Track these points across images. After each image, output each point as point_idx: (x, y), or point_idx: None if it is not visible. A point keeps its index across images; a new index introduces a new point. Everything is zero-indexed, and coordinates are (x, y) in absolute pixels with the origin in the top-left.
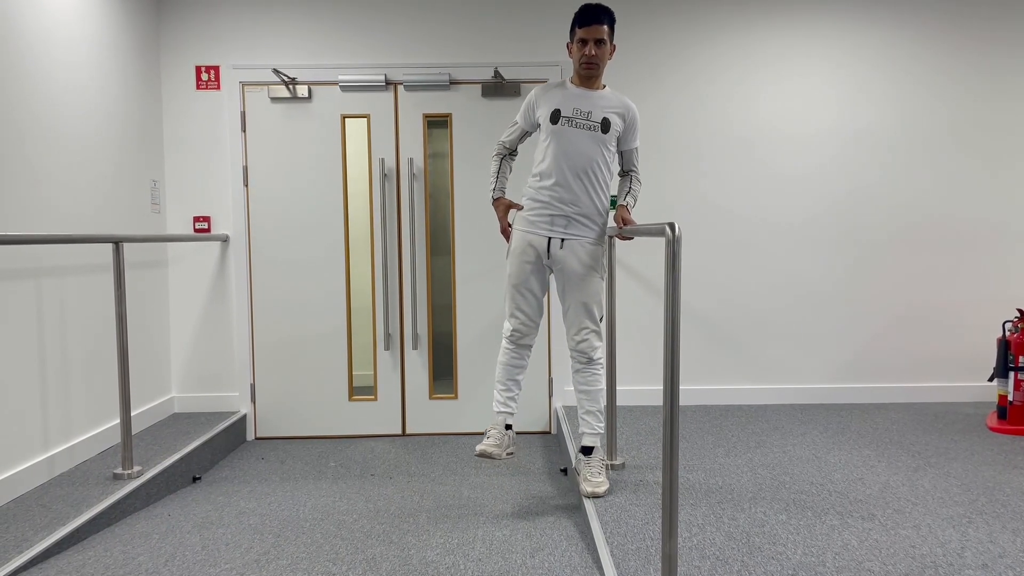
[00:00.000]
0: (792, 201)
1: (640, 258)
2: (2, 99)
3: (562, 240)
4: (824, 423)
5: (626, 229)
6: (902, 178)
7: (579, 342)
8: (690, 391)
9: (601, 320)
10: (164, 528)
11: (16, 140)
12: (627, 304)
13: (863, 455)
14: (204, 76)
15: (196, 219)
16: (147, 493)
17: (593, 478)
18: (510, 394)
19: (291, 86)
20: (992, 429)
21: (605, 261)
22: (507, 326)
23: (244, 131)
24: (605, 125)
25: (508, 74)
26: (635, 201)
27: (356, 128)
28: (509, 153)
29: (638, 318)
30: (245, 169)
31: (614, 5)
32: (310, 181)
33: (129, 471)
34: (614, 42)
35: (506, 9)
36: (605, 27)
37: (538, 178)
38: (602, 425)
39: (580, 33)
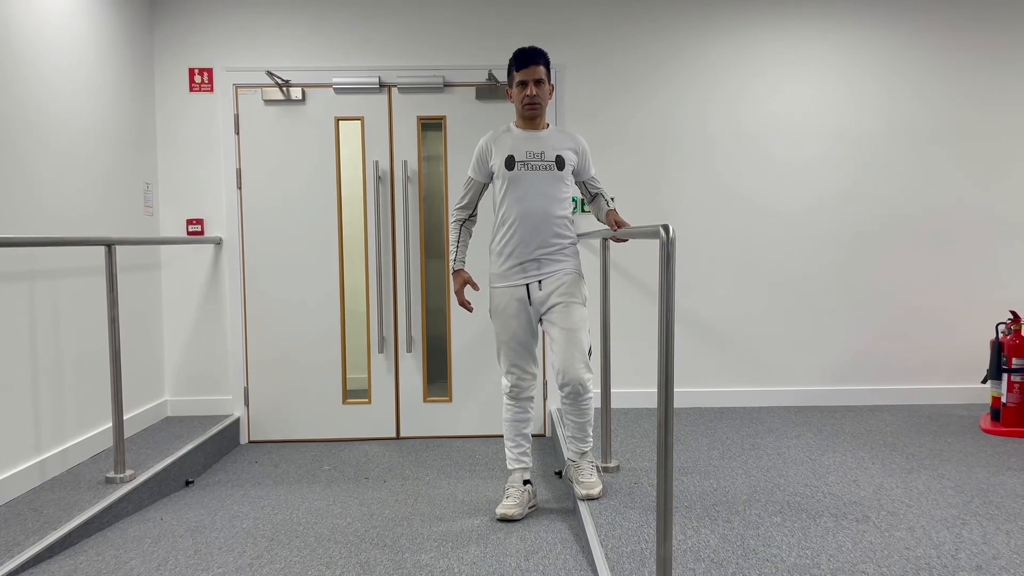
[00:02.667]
0: (786, 204)
1: (634, 260)
2: None
3: (540, 281)
4: (818, 425)
5: (620, 232)
6: (895, 181)
7: (567, 374)
8: (684, 393)
9: (590, 353)
10: (157, 532)
11: (8, 142)
12: (621, 306)
13: (857, 457)
14: (197, 78)
15: (189, 221)
16: (139, 497)
17: (586, 479)
18: (521, 449)
19: (285, 88)
20: (985, 431)
21: (586, 291)
22: (505, 383)
23: (237, 133)
24: (560, 162)
25: (502, 76)
26: (614, 199)
27: (350, 130)
28: (469, 217)
29: (632, 320)
30: (239, 171)
31: (619, 5)
32: (304, 183)
33: (121, 475)
34: (551, 82)
35: (500, 11)
36: (542, 67)
37: (500, 228)
38: (589, 443)
39: (519, 76)
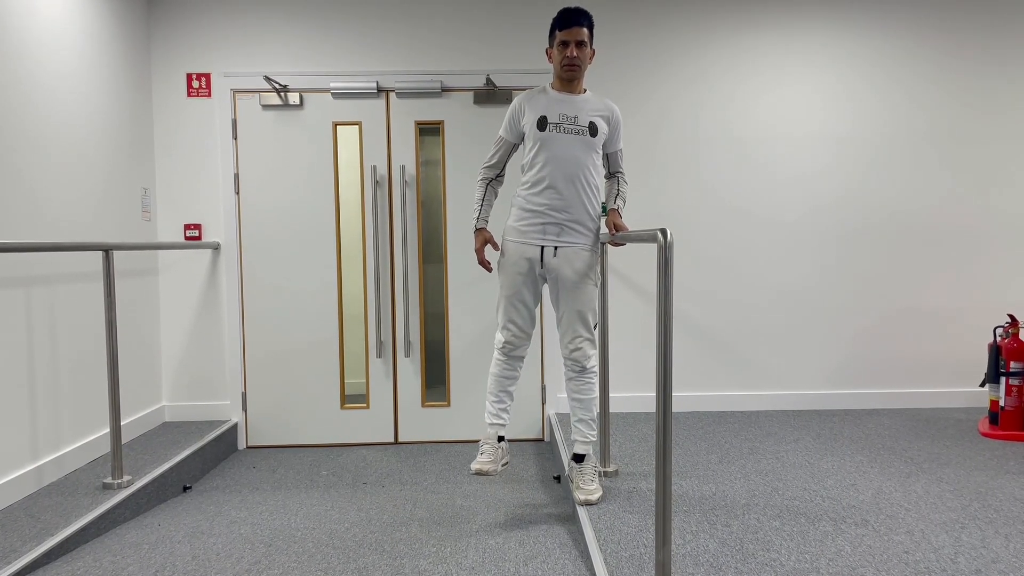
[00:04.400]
0: (783, 207)
1: (632, 264)
2: None
3: (555, 248)
4: (817, 429)
5: (618, 236)
6: (893, 184)
7: (573, 350)
8: (683, 397)
9: (595, 327)
10: (154, 538)
11: (6, 148)
12: (619, 310)
13: (856, 461)
14: (195, 83)
15: (187, 227)
16: (137, 503)
17: (586, 485)
18: (502, 405)
19: (282, 93)
20: (984, 434)
21: (599, 268)
22: (499, 338)
23: (235, 138)
24: (592, 129)
25: (500, 81)
26: (624, 203)
27: (348, 135)
28: (496, 177)
29: (630, 324)
30: (236, 176)
31: (612, 10)
32: (302, 189)
33: (119, 481)
34: (593, 46)
35: (498, 16)
36: (585, 29)
37: (528, 187)
38: (595, 433)
39: (561, 35)
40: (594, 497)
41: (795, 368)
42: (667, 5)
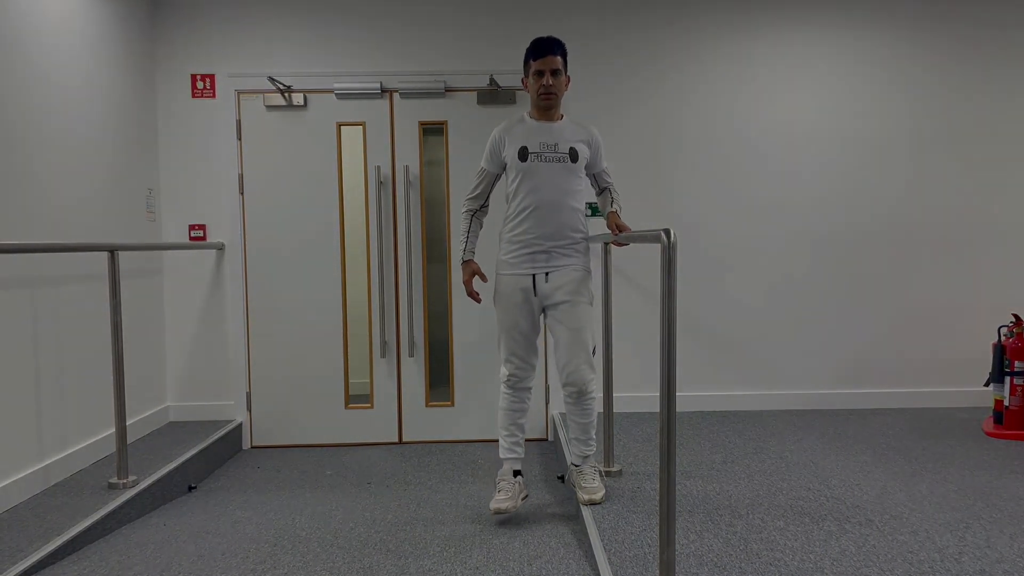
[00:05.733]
0: (788, 207)
1: (635, 263)
2: None
3: (547, 274)
4: (821, 429)
5: (622, 236)
6: (898, 183)
7: (570, 374)
8: (686, 397)
9: (595, 352)
10: (160, 538)
11: (11, 149)
12: (622, 309)
13: (860, 461)
14: (199, 84)
15: (191, 227)
16: (142, 503)
17: (588, 484)
18: (515, 439)
19: (286, 94)
20: (988, 434)
21: (592, 287)
22: (503, 371)
23: (239, 139)
24: (573, 155)
25: (504, 81)
26: (620, 207)
27: (352, 136)
28: (480, 207)
29: (633, 323)
30: (240, 177)
31: (612, 16)
32: (306, 189)
33: (124, 480)
34: (568, 73)
35: (501, 16)
36: (559, 58)
37: (513, 217)
38: (592, 448)
39: (535, 65)
40: (598, 496)
41: (799, 368)
42: (673, 7)
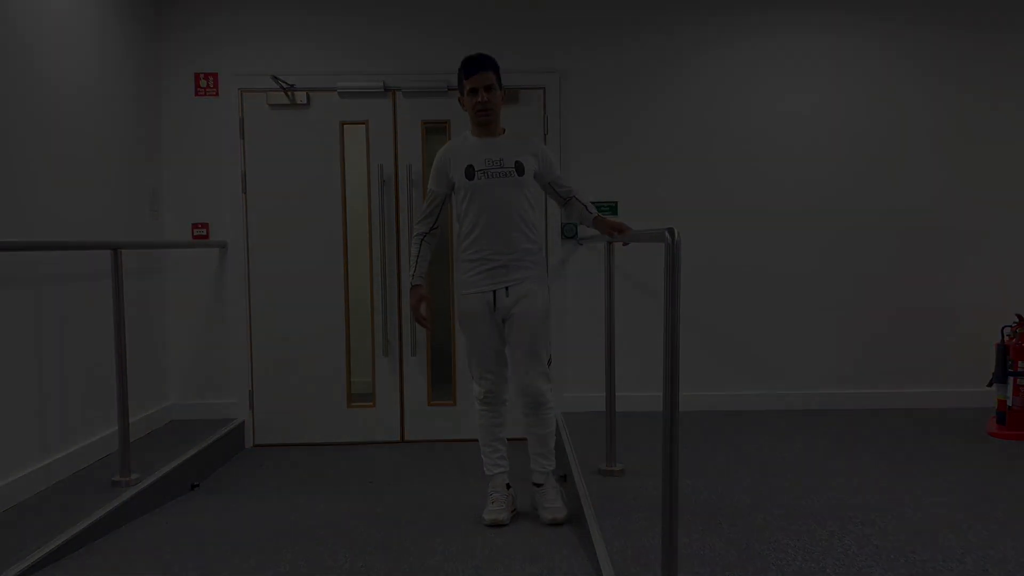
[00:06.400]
0: (789, 207)
1: (637, 262)
2: (1, 106)
3: (507, 288)
4: (823, 429)
5: (624, 236)
6: (902, 183)
7: (527, 385)
8: (689, 396)
9: (549, 363)
10: (162, 535)
11: (14, 147)
12: (623, 308)
13: (863, 461)
14: (203, 83)
15: (194, 226)
16: (145, 500)
17: (551, 504)
18: (498, 454)
19: (289, 93)
20: (991, 434)
21: (548, 300)
22: (477, 389)
23: (243, 138)
24: (520, 168)
25: (505, 81)
26: (595, 210)
27: (355, 135)
28: (430, 230)
29: (635, 322)
30: (243, 176)
31: (613, 15)
32: (308, 187)
33: (127, 478)
34: (502, 88)
35: (504, 16)
36: (491, 73)
37: (466, 236)
38: (552, 462)
39: (469, 83)
40: (561, 515)
41: (802, 368)
42: (675, 9)
